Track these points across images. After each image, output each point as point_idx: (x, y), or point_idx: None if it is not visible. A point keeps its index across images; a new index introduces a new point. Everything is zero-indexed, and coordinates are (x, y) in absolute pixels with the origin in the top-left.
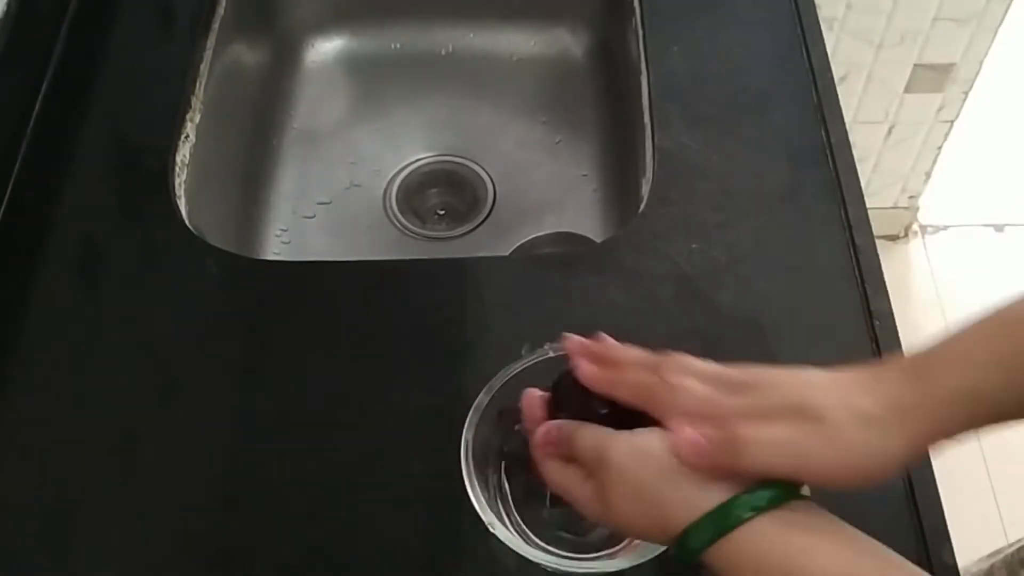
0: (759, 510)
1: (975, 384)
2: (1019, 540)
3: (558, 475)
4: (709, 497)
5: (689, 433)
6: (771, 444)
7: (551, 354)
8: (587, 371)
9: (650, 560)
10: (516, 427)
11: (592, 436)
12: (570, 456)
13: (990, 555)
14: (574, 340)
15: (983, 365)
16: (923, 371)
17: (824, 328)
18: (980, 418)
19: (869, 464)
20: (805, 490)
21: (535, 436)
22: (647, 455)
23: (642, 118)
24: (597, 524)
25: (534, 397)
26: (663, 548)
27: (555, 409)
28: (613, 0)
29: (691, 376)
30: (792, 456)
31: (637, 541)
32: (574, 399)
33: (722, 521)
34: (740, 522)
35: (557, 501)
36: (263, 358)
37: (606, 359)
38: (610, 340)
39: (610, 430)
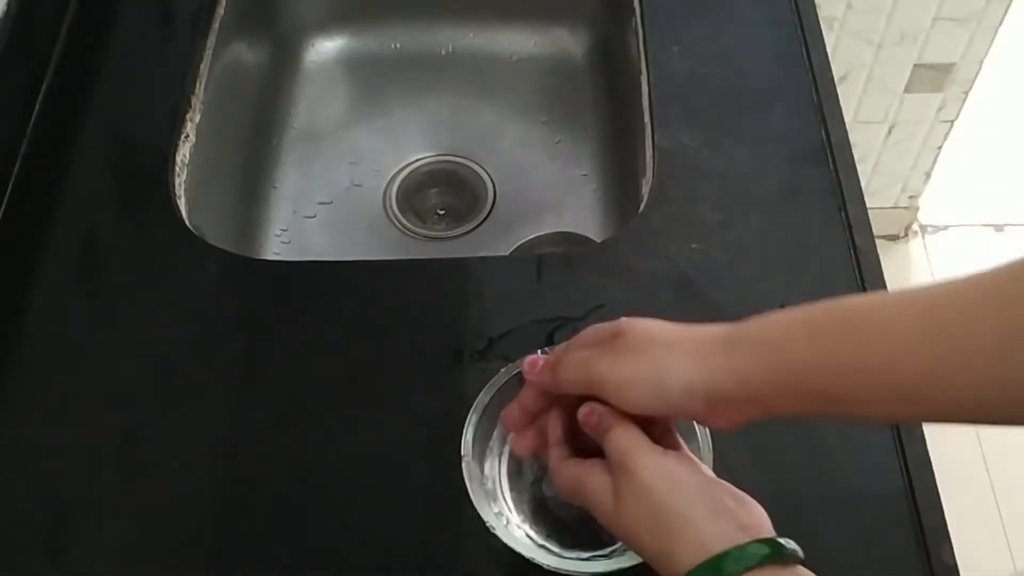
0: (750, 567)
1: (767, 331)
2: None
3: (569, 464)
4: (715, 544)
5: (535, 357)
6: (573, 362)
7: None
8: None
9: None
10: None
11: (625, 439)
12: (585, 448)
13: None
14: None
15: (784, 323)
16: (736, 325)
17: None
18: (778, 371)
19: (657, 380)
20: (796, 550)
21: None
22: (676, 482)
23: (642, 118)
24: (598, 522)
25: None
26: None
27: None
28: (613, 0)
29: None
30: (585, 370)
31: None
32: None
33: (715, 573)
34: None
35: (557, 504)
36: (263, 358)
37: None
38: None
39: (644, 438)
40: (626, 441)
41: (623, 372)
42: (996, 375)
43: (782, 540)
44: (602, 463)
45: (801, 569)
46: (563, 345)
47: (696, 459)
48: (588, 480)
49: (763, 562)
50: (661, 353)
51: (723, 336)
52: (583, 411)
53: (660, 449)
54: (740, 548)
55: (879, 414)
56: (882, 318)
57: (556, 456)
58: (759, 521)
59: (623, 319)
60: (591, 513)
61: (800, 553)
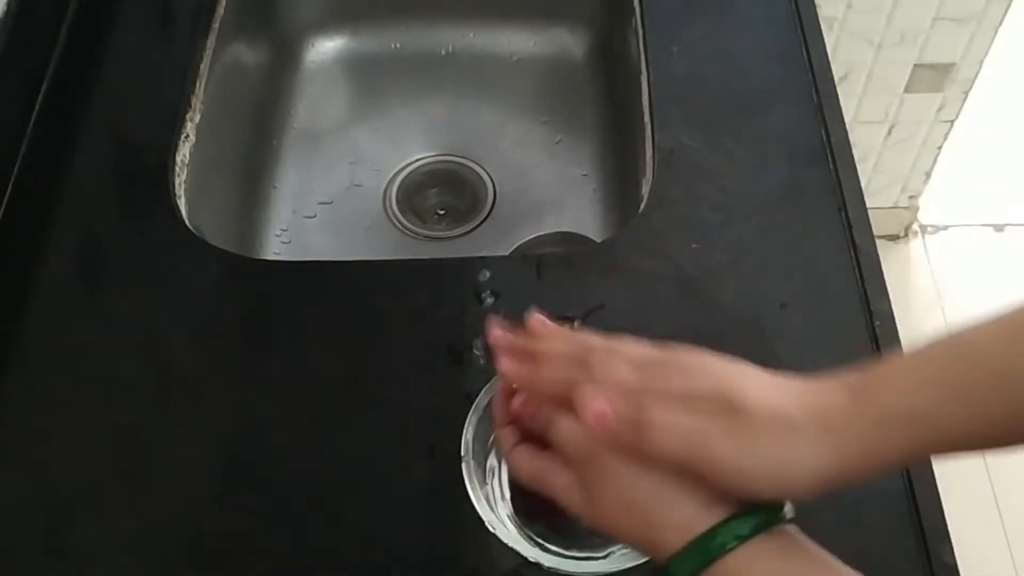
0: (742, 539)
1: (914, 406)
2: None
3: (527, 463)
4: (700, 521)
5: (600, 403)
6: (677, 431)
7: None
8: (506, 367)
9: (649, 560)
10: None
11: (578, 431)
12: (542, 442)
13: None
14: (497, 335)
15: (925, 386)
16: (862, 388)
17: (824, 328)
18: (924, 444)
19: (782, 473)
20: (790, 511)
21: (500, 412)
22: (643, 469)
23: (642, 118)
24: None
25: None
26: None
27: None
28: (613, 0)
29: (620, 360)
30: (697, 447)
31: None
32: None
33: (706, 551)
34: (724, 551)
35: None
36: (263, 358)
37: (528, 353)
38: (539, 324)
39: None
40: (577, 429)
41: (745, 460)
42: None
43: (774, 505)
44: (559, 457)
45: (795, 535)
46: (627, 366)
47: None
48: (552, 479)
49: (756, 530)
50: (788, 441)
51: (854, 412)
52: (517, 403)
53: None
54: (734, 518)
55: (1017, 444)
56: (1016, 341)
57: (507, 441)
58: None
59: (725, 376)
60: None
61: (792, 514)
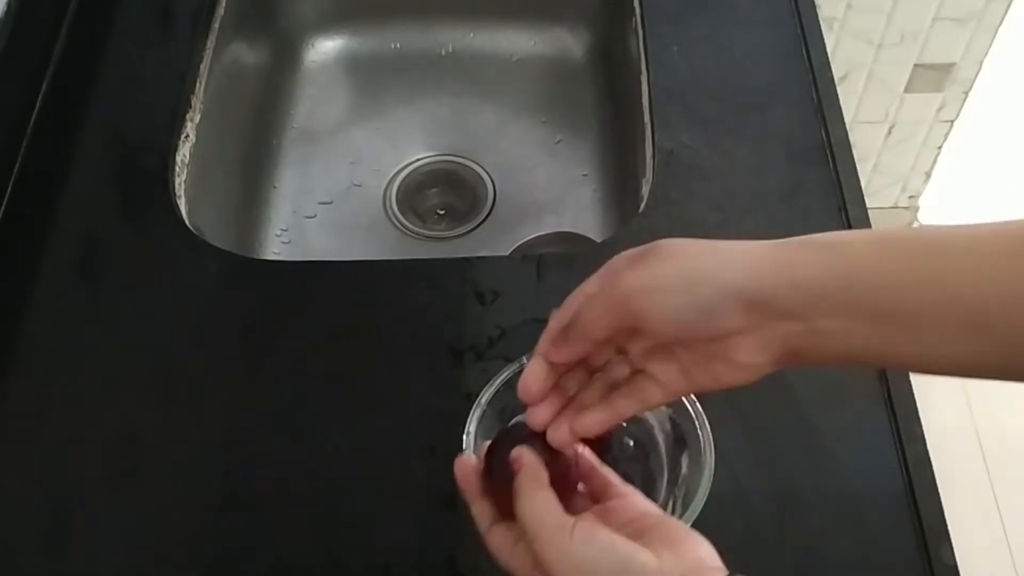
0: None
1: (835, 239)
2: None
3: (502, 552)
4: None
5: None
6: (598, 285)
7: None
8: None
9: None
10: (514, 420)
11: (531, 514)
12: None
13: None
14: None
15: (852, 232)
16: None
17: None
18: (838, 274)
19: (690, 280)
20: None
21: (470, 488)
22: (587, 567)
23: (642, 118)
24: None
25: (467, 466)
26: None
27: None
28: (613, 0)
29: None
30: (608, 288)
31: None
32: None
33: None
34: None
35: None
36: (263, 358)
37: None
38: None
39: (552, 511)
40: (531, 519)
41: (647, 276)
42: None
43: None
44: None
45: None
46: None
47: (613, 507)
48: (510, 560)
49: None
50: (698, 254)
51: (773, 242)
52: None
53: (568, 526)
54: None
55: (941, 350)
56: (963, 236)
57: (482, 519)
58: (700, 558)
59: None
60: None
61: None
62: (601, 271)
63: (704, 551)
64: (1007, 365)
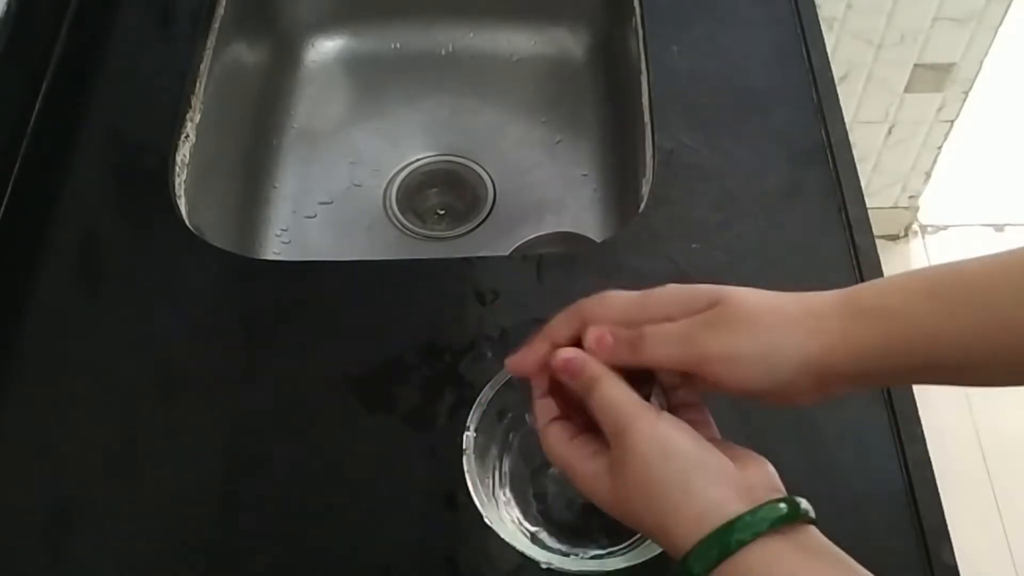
0: (759, 533)
1: (890, 303)
2: None
3: (558, 445)
4: (718, 514)
5: (599, 330)
6: (669, 334)
7: None
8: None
9: (650, 560)
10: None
11: (616, 401)
12: (578, 420)
13: None
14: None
15: (903, 288)
16: (851, 291)
17: None
18: (900, 343)
19: (770, 359)
20: (809, 510)
21: (554, 362)
22: (671, 452)
23: (642, 118)
24: (592, 505)
25: (537, 355)
26: (662, 549)
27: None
28: (613, 0)
29: (618, 299)
30: (688, 344)
31: (638, 538)
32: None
33: (723, 545)
34: (741, 545)
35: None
36: (263, 358)
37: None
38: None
39: (637, 399)
40: (619, 401)
41: (732, 347)
42: None
43: (794, 499)
44: (593, 443)
45: (813, 531)
46: (621, 298)
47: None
48: (579, 466)
49: (775, 525)
50: (772, 326)
51: (837, 305)
52: (562, 356)
53: (655, 411)
54: (748, 514)
55: (997, 381)
56: (1008, 272)
57: (543, 415)
58: (765, 481)
59: (717, 286)
60: (584, 495)
61: (812, 512)
62: (652, 305)
63: (769, 472)
64: None
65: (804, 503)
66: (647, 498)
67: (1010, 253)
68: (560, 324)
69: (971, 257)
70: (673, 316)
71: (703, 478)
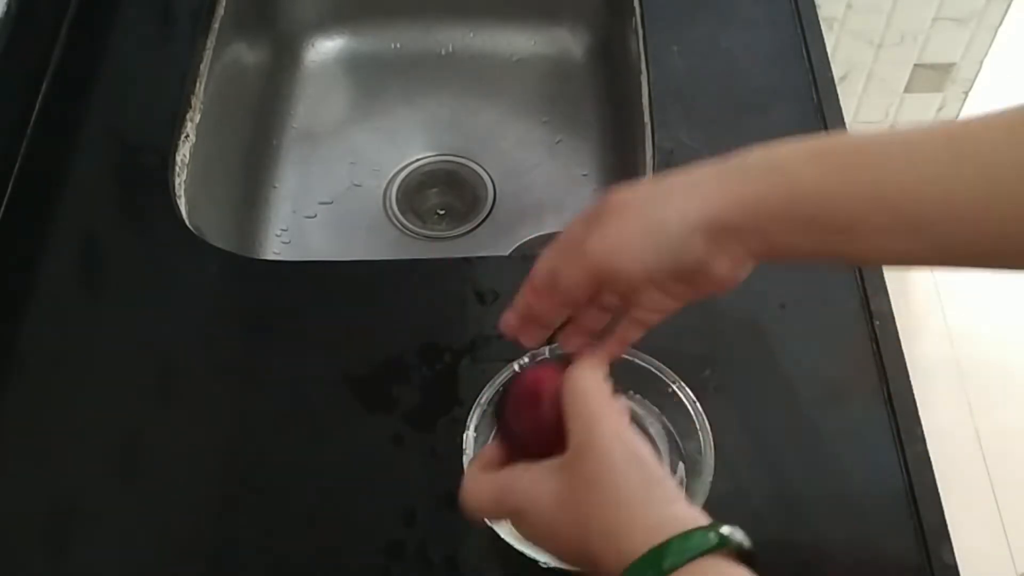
0: (691, 558)
1: (771, 157)
2: None
3: (482, 475)
4: (678, 527)
5: (506, 315)
6: (566, 251)
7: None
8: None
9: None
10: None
11: (589, 388)
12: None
13: None
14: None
15: (785, 147)
16: (732, 155)
17: (824, 328)
18: (785, 197)
19: (655, 229)
20: (746, 541)
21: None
22: (639, 460)
23: (642, 118)
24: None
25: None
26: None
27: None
28: (613, 0)
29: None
30: (579, 253)
31: None
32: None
33: (656, 567)
34: (674, 568)
35: None
36: (263, 358)
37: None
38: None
39: (609, 393)
40: (592, 389)
41: (614, 235)
42: (1019, 211)
43: (726, 528)
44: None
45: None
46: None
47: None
48: (516, 483)
49: (707, 552)
50: (651, 202)
51: (717, 168)
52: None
53: (624, 414)
54: (683, 536)
55: (885, 249)
56: (900, 143)
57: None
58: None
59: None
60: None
61: (747, 543)
62: (561, 241)
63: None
64: (947, 257)
65: (739, 534)
66: (601, 498)
67: (906, 129)
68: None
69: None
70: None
71: (666, 492)
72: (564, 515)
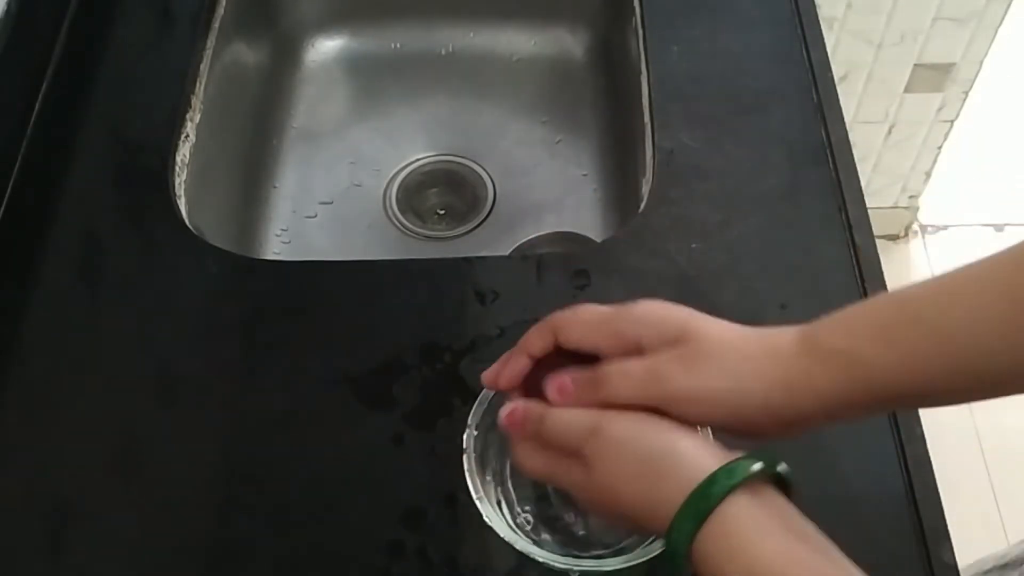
0: (738, 483)
1: (850, 347)
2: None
3: (531, 460)
4: (699, 474)
5: (559, 380)
6: (631, 372)
7: None
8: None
9: (650, 560)
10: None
11: (572, 416)
12: (544, 441)
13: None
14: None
15: (861, 330)
16: (809, 330)
17: None
18: (864, 387)
19: (734, 398)
20: (790, 475)
21: (501, 417)
22: (650, 426)
23: (642, 118)
24: (590, 514)
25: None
26: (662, 548)
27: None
28: (613, 0)
29: (577, 324)
30: (651, 382)
31: (638, 539)
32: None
33: (707, 496)
34: (723, 494)
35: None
36: (263, 358)
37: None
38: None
39: (591, 410)
40: (575, 415)
41: (697, 388)
42: None
43: (772, 456)
44: (563, 455)
45: (789, 505)
46: (594, 313)
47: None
48: (561, 478)
49: (753, 476)
50: (738, 367)
51: (797, 347)
52: (502, 415)
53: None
54: (729, 465)
55: (956, 400)
56: (955, 300)
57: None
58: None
59: (687, 315)
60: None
61: (791, 476)
62: (637, 367)
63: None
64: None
65: (784, 465)
66: (628, 485)
67: (951, 277)
68: (534, 337)
69: (914, 283)
70: (643, 338)
71: (687, 439)
72: (604, 502)
